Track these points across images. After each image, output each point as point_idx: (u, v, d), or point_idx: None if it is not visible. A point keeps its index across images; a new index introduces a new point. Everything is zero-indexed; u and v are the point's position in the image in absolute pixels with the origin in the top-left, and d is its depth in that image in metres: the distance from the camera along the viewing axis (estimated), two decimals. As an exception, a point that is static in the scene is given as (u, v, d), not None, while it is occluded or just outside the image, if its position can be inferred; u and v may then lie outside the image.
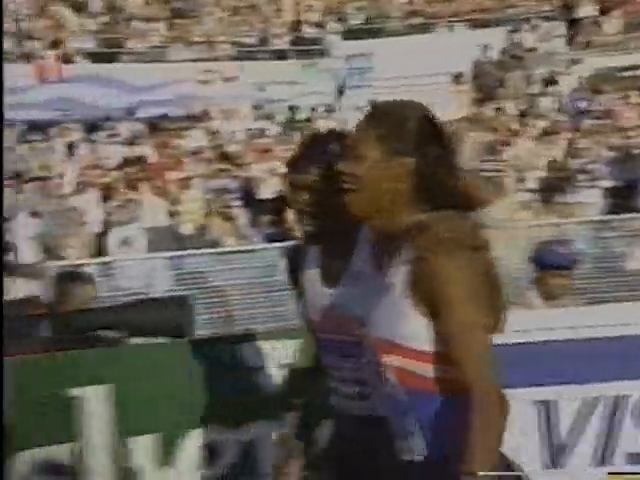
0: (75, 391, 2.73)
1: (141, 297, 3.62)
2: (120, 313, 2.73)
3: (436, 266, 1.61)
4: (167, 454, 2.77)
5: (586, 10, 17.57)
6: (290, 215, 10.02)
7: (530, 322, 2.88)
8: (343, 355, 2.13)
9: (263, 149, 11.54)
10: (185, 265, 8.49)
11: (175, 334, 2.75)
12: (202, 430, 2.78)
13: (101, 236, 9.17)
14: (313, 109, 14.56)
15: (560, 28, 17.44)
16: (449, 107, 4.09)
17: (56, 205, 10.61)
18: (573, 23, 17.56)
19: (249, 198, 10.60)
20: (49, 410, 2.71)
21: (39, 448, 2.70)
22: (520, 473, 1.74)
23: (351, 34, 17.67)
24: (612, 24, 17.44)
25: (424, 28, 18.10)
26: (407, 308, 1.65)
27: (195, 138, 12.49)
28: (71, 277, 3.27)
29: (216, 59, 16.58)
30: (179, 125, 13.01)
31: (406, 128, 1.73)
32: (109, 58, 16.13)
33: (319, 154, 2.11)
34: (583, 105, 14.32)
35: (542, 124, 12.87)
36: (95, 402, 2.73)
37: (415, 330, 1.65)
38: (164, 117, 13.37)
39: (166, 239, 9.30)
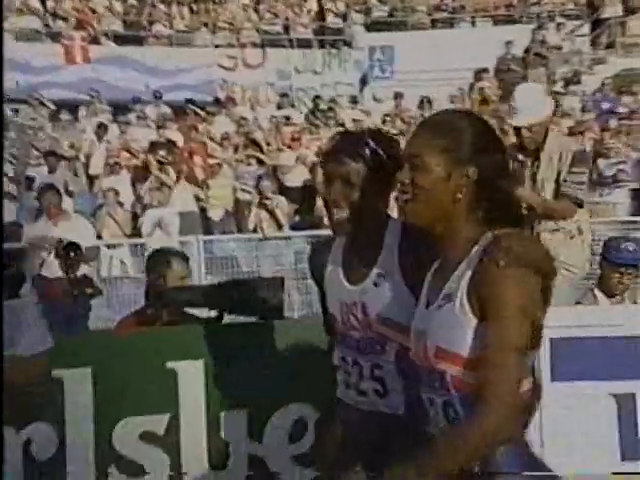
0: (170, 364, 2.82)
1: (236, 278, 3.68)
2: (214, 292, 2.81)
3: (499, 277, 1.63)
4: (256, 429, 2.86)
5: (611, 10, 17.51)
6: (319, 203, 10.09)
7: (611, 317, 2.96)
8: (362, 352, 2.15)
9: (291, 137, 11.58)
10: (217, 250, 8.55)
11: (267, 315, 2.82)
12: (290, 407, 2.86)
13: (134, 218, 9.24)
14: (333, 100, 14.58)
15: (584, 27, 17.40)
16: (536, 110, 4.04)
17: (87, 185, 10.70)
18: (597, 23, 17.52)
19: (277, 186, 10.65)
20: (146, 381, 2.80)
21: (136, 417, 2.79)
22: (556, 474, 1.76)
23: (374, 26, 17.67)
24: (637, 25, 17.39)
25: (448, 23, 18.09)
26: (467, 317, 1.67)
27: (222, 124, 12.53)
28: (166, 254, 3.35)
29: (240, 45, 16.60)
30: (205, 110, 13.06)
31: (468, 138, 1.75)
32: (135, 41, 16.16)
33: (355, 147, 2.15)
34: (607, 106, 14.32)
35: (567, 123, 12.88)
36: (189, 376, 2.82)
37: (471, 339, 1.67)
38: (190, 102, 13.42)
39: (196, 224, 9.37)
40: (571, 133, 12.24)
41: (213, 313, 2.85)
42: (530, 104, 3.94)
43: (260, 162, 10.86)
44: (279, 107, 14.22)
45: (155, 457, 2.80)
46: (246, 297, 2.76)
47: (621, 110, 13.78)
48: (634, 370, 2.90)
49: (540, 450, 2.93)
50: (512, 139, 4.19)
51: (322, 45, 17.05)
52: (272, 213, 8.48)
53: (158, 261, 3.27)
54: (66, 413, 2.75)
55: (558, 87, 15.88)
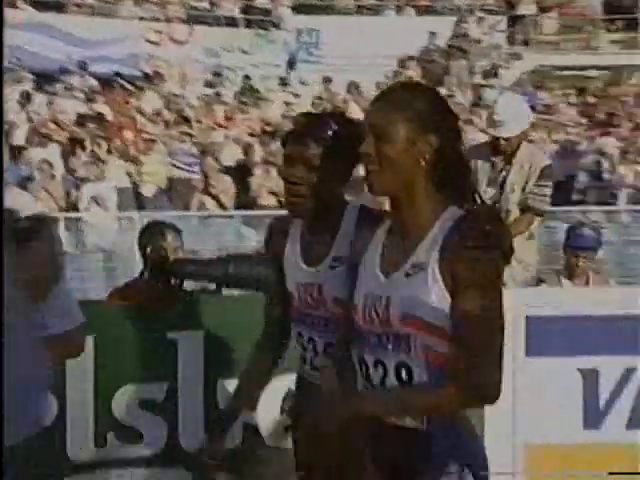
0: (171, 335, 2.90)
1: (237, 252, 3.71)
2: (215, 265, 2.89)
3: (472, 257, 1.73)
4: (252, 398, 2.96)
5: (526, 8, 18.13)
6: (253, 183, 10.14)
7: (582, 298, 3.24)
8: (316, 329, 2.24)
9: (224, 116, 11.58)
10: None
11: (265, 289, 2.92)
12: (282, 378, 2.98)
13: (67, 192, 9.09)
14: (263, 81, 14.61)
15: (502, 23, 17.95)
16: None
17: (10, 156, 10.39)
18: (514, 19, 18.10)
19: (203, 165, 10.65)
20: (147, 351, 2.88)
21: (136, 385, 2.86)
22: (486, 473, 1.82)
23: (301, 8, 17.72)
24: (549, 24, 18.08)
25: (373, 10, 18.30)
26: (438, 288, 1.76)
27: (151, 99, 12.39)
28: (161, 227, 3.38)
29: (166, 20, 16.35)
30: (134, 84, 12.88)
31: (428, 107, 1.83)
32: (56, 7, 15.68)
33: (319, 130, 2.19)
34: (525, 99, 14.85)
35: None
36: (188, 346, 2.91)
37: (440, 308, 1.75)
38: (118, 75, 13.17)
39: (130, 200, 9.30)
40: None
41: (212, 286, 2.93)
42: (513, 116, 4.13)
43: (194, 142, 10.83)
44: (208, 85, 14.13)
45: (153, 424, 2.89)
46: (246, 271, 2.85)
47: (539, 104, 14.37)
48: (598, 347, 3.17)
49: (512, 419, 3.19)
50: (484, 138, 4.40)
51: (249, 25, 17.00)
52: (216, 198, 8.51)
53: (153, 233, 3.31)
54: (67, 380, 2.79)
55: (477, 79, 16.39)
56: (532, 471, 3.18)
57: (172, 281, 3.04)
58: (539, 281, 3.96)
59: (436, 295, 1.76)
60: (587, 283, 3.88)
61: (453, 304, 1.75)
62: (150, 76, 13.83)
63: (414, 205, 1.84)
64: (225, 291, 2.95)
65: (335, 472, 1.81)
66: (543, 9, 18.04)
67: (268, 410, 3.00)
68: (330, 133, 2.18)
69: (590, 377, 3.19)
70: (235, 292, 3.00)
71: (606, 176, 11.29)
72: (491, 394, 1.76)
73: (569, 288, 3.78)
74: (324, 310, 2.22)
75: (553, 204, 10.86)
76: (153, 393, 2.89)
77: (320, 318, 2.23)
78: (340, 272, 2.14)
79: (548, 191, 4.23)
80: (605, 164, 11.39)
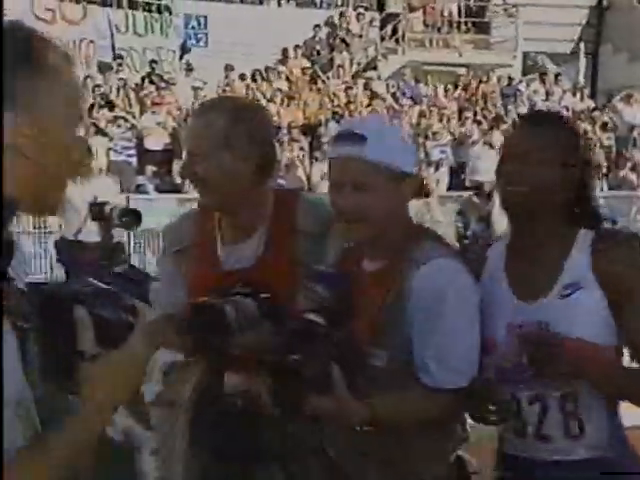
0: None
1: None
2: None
3: (630, 269, 1.82)
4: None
5: (395, 7, 19.38)
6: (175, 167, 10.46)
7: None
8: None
9: (151, 101, 11.85)
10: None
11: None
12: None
13: None
14: (169, 65, 14.81)
15: (377, 20, 19.08)
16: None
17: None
18: (387, 17, 19.28)
19: (137, 148, 10.96)
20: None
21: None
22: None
23: (188, -7, 17.92)
24: (416, 23, 19.46)
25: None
26: (602, 303, 1.81)
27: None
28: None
29: (59, -3, 16.08)
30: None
31: (571, 145, 1.90)
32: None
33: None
34: (408, 92, 16.05)
35: (380, 105, 14.33)
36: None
37: (600, 324, 1.80)
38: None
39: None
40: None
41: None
42: (484, 162, 5.24)
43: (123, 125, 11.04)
44: (106, 67, 14.13)
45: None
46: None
47: (423, 97, 15.57)
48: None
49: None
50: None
51: (137, 7, 16.99)
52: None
53: None
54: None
55: (360, 72, 17.42)
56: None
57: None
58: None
59: (598, 312, 1.80)
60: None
61: (626, 318, 1.79)
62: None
63: (549, 228, 1.87)
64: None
65: None
66: (412, 8, 19.35)
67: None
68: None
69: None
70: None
71: (491, 166, 12.59)
72: None
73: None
74: None
75: (449, 188, 12.16)
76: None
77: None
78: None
79: None
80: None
